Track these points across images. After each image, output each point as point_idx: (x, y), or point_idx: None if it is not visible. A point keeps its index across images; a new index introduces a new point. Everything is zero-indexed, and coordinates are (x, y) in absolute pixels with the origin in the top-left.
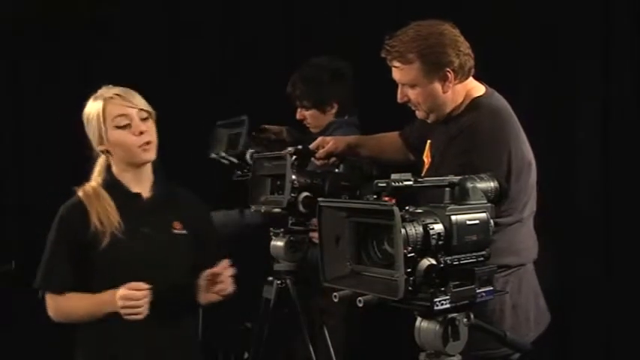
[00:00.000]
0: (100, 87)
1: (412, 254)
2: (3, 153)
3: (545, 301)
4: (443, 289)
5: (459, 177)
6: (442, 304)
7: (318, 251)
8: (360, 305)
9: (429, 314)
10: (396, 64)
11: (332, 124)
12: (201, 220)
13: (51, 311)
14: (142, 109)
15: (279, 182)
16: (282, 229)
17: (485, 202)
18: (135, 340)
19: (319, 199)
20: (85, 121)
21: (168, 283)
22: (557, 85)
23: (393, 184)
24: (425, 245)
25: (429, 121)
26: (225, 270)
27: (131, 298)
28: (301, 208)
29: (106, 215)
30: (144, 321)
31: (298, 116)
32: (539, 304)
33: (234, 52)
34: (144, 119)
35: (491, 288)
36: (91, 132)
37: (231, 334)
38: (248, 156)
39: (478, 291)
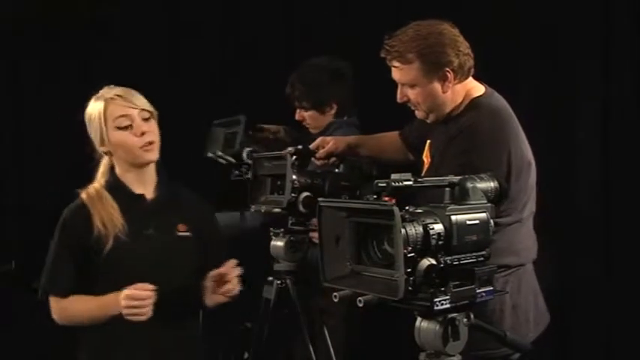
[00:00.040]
0: (100, 87)
1: (412, 254)
2: (3, 153)
3: (545, 301)
4: (443, 289)
5: (459, 177)
6: (442, 304)
7: (318, 251)
8: (360, 305)
9: (429, 314)
10: (396, 63)
11: (332, 125)
12: (206, 220)
13: (55, 314)
14: (143, 110)
15: (279, 182)
16: (282, 229)
17: (485, 202)
18: (139, 342)
19: (319, 199)
20: (86, 121)
21: (172, 285)
22: (557, 85)
23: (393, 184)
24: (425, 245)
25: (428, 121)
26: (231, 270)
27: (136, 298)
28: (301, 208)
29: (109, 218)
30: (148, 323)
31: (297, 117)
32: (538, 304)
33: (234, 52)
34: (146, 119)
35: (491, 288)
36: (93, 133)
37: (231, 334)
38: (245, 155)
39: (478, 291)
